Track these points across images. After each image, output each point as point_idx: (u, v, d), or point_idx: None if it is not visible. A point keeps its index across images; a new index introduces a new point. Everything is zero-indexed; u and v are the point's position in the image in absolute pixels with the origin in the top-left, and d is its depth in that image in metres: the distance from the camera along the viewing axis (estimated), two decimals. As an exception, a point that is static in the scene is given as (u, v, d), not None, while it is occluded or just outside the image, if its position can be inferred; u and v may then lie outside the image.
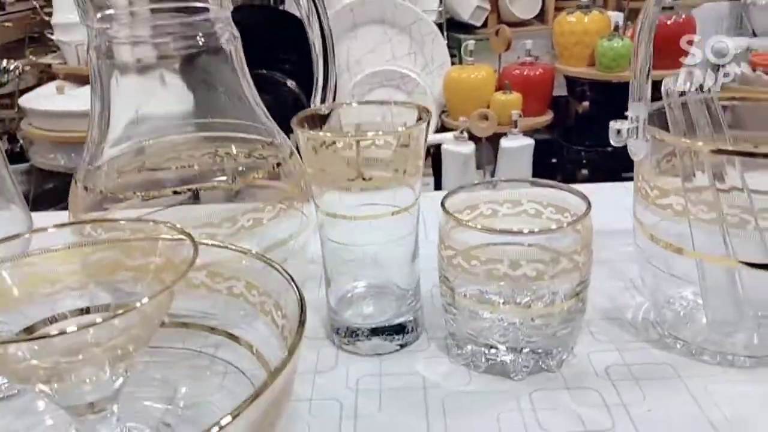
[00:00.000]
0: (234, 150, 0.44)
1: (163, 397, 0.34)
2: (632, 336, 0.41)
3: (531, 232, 0.35)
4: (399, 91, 1.51)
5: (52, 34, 1.38)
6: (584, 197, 0.37)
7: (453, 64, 1.51)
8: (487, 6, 1.64)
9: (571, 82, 1.45)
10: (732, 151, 0.36)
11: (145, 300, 0.25)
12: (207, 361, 0.34)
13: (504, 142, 1.38)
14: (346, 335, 0.41)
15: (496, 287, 0.37)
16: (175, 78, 0.42)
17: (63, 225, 0.33)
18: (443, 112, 1.53)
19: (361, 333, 0.41)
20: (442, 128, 1.51)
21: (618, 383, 0.37)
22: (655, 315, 0.42)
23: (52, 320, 0.30)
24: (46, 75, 1.59)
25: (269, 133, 0.44)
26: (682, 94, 0.41)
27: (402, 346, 0.41)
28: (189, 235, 0.30)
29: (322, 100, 0.48)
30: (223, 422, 0.20)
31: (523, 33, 1.60)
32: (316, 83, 0.48)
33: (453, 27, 1.67)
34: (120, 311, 0.25)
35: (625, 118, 0.39)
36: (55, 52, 1.58)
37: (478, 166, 1.43)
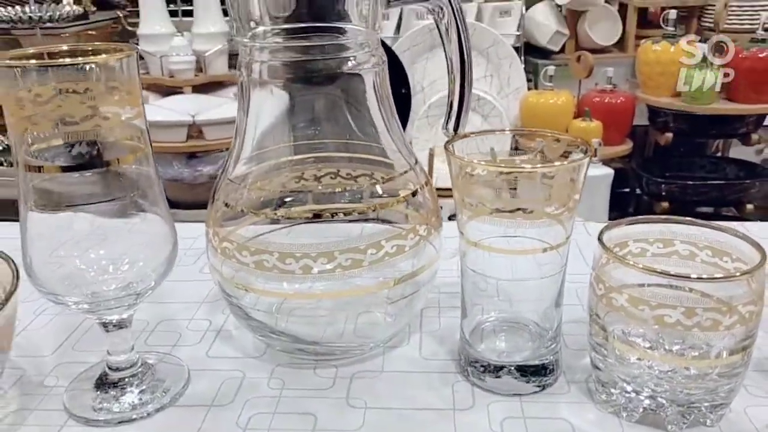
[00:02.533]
0: (372, 175, 0.43)
1: None
2: (791, 392, 0.38)
3: (706, 279, 0.33)
4: (474, 114, 1.50)
5: (137, 44, 1.41)
6: (758, 245, 0.35)
7: (529, 89, 1.49)
8: (566, 31, 1.62)
9: (654, 112, 1.41)
10: None
11: None
12: None
13: (581, 170, 1.35)
14: (485, 371, 0.39)
15: (651, 332, 0.35)
16: (317, 98, 0.42)
17: None
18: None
19: (498, 369, 0.39)
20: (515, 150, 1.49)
21: (786, 444, 0.34)
22: (817, 371, 0.39)
23: None
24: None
25: (406, 159, 0.43)
26: None
27: (541, 387, 0.39)
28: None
29: (456, 126, 0.47)
30: None
31: (603, 60, 1.57)
32: (450, 106, 0.47)
33: (530, 51, 1.65)
34: None
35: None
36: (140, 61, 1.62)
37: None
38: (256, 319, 0.42)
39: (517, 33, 1.54)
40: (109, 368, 0.39)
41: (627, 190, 1.49)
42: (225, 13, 1.42)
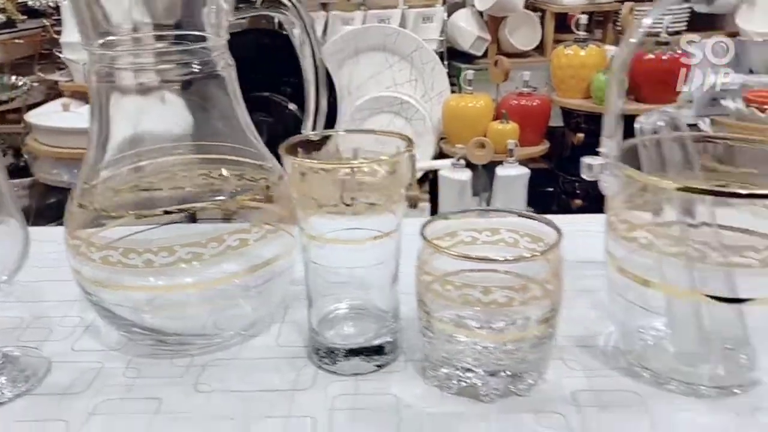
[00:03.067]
0: (226, 172, 0.46)
1: None
2: (602, 363, 0.42)
3: (505, 260, 0.37)
4: (399, 117, 1.54)
5: (60, 52, 1.41)
6: (556, 227, 0.39)
7: (453, 92, 1.54)
8: (488, 36, 1.67)
9: (567, 113, 1.48)
10: (696, 189, 0.38)
11: None
12: None
13: (500, 171, 1.40)
14: (326, 355, 0.42)
15: (472, 312, 0.39)
16: (171, 102, 0.44)
17: None
18: (442, 138, 1.55)
19: (340, 353, 0.42)
20: (440, 155, 1.54)
21: (584, 409, 0.38)
22: (624, 344, 0.43)
23: None
24: (53, 92, 1.62)
25: (260, 156, 0.46)
26: (655, 132, 0.43)
27: (380, 366, 0.42)
28: None
29: (313, 127, 0.50)
30: None
31: (521, 64, 1.63)
32: (307, 110, 0.50)
33: (454, 56, 1.70)
34: None
35: (598, 154, 0.41)
36: (63, 69, 1.62)
37: (475, 193, 1.45)
38: (118, 315, 0.44)
39: (440, 38, 1.59)
40: (-33, 361, 0.41)
41: (545, 188, 1.56)
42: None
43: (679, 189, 0.38)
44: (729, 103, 1.40)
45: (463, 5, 1.71)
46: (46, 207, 1.47)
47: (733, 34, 1.62)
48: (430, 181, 1.48)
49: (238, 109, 0.45)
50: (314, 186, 0.39)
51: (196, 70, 0.43)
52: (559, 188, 1.55)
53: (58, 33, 1.53)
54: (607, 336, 0.45)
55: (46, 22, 1.59)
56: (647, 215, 0.40)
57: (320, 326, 0.44)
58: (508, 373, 0.39)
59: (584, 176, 0.41)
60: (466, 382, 0.39)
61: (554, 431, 0.36)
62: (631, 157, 0.41)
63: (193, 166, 0.46)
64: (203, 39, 0.43)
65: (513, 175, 1.37)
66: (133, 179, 0.45)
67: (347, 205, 0.40)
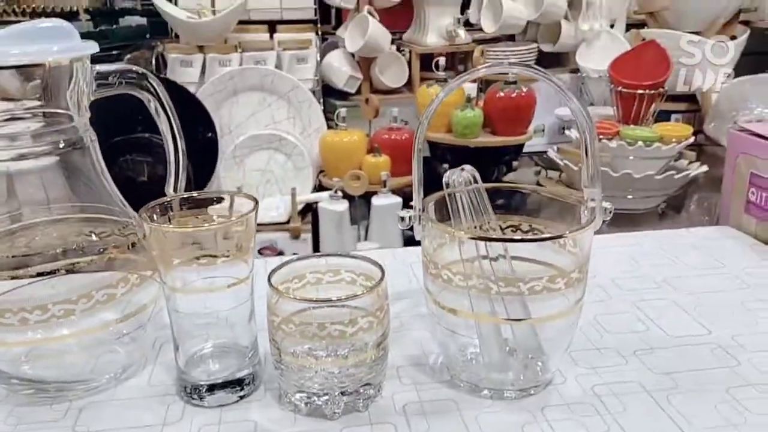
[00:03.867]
0: (96, 230, 0.51)
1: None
2: (430, 378, 0.51)
3: (338, 299, 0.45)
4: (279, 153, 1.60)
5: None
6: (380, 266, 0.47)
7: (330, 128, 1.62)
8: (360, 75, 1.78)
9: (433, 145, 1.60)
10: (482, 237, 0.47)
11: None
12: None
13: (375, 200, 1.50)
14: (193, 391, 0.48)
15: (319, 344, 0.46)
16: (42, 171, 0.49)
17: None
18: (321, 172, 1.63)
19: (203, 388, 0.48)
20: (320, 187, 1.61)
21: (410, 417, 0.46)
22: (448, 361, 0.52)
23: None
24: None
25: (125, 215, 0.51)
26: (458, 185, 0.52)
27: (242, 397, 0.49)
28: None
29: (175, 188, 0.56)
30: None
31: (391, 101, 1.74)
32: (169, 173, 0.56)
33: (329, 93, 1.79)
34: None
35: (411, 207, 0.49)
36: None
37: (353, 222, 1.53)
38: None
39: (315, 78, 1.68)
40: None
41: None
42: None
43: (471, 238, 0.47)
44: (573, 133, 1.57)
45: (336, 46, 1.81)
46: None
47: (575, 71, 1.82)
48: (312, 212, 1.55)
49: (102, 175, 0.51)
50: (171, 245, 0.46)
51: (62, 146, 0.48)
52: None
53: None
54: (437, 355, 0.54)
55: None
56: (455, 253, 0.49)
57: (187, 366, 0.49)
58: (350, 392, 0.47)
59: (399, 226, 0.49)
60: (314, 404, 0.46)
61: (383, 438, 0.44)
62: (441, 205, 0.51)
63: (63, 226, 0.51)
64: (69, 117, 0.48)
65: (387, 204, 1.47)
66: (8, 240, 0.49)
67: (200, 258, 0.46)
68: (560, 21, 1.84)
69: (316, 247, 1.52)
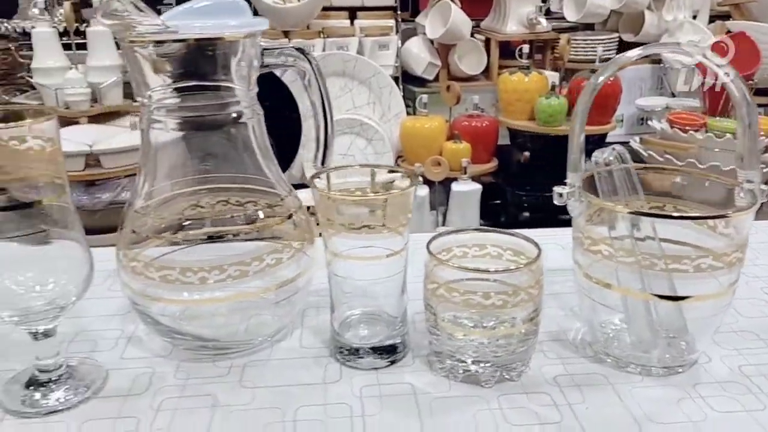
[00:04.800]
0: (258, 201, 0.53)
1: None
2: (573, 353, 0.52)
3: (497, 271, 0.46)
4: (360, 138, 1.63)
5: (31, 76, 1.44)
6: (536, 244, 0.48)
7: (408, 114, 1.64)
8: (438, 62, 1.79)
9: (514, 133, 1.60)
10: (643, 213, 0.48)
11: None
12: None
13: (455, 186, 1.51)
14: (350, 353, 0.51)
15: (468, 314, 0.47)
16: (206, 142, 0.52)
17: None
18: (399, 157, 1.65)
19: (361, 352, 0.50)
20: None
21: (564, 388, 0.47)
22: (591, 337, 0.53)
23: None
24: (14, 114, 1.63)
25: (283, 189, 0.54)
26: (608, 164, 0.53)
27: (392, 362, 0.51)
28: None
29: (323, 161, 0.58)
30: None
31: (470, 88, 1.75)
32: (317, 144, 0.58)
33: (408, 80, 1.80)
34: None
35: (565, 183, 0.50)
36: (26, 92, 1.64)
37: (432, 208, 1.55)
38: (163, 324, 0.51)
39: (395, 64, 1.69)
40: (39, 371, 0.47)
41: (496, 202, 1.67)
42: (118, 46, 1.48)
43: (630, 212, 0.48)
44: (655, 124, 1.55)
45: (415, 33, 1.82)
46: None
47: (656, 62, 1.79)
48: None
49: (265, 148, 0.53)
50: (338, 212, 0.48)
51: (232, 117, 0.51)
52: (507, 202, 1.67)
53: (24, 57, 1.56)
54: (576, 331, 0.55)
55: (11, 46, 1.61)
56: (604, 230, 0.50)
57: (341, 328, 0.52)
58: (501, 363, 0.48)
59: (555, 202, 0.51)
60: (468, 371, 0.48)
61: (544, 407, 0.45)
62: (589, 184, 0.52)
63: (226, 195, 0.53)
64: (237, 91, 0.51)
65: (467, 190, 1.48)
66: (176, 206, 0.52)
67: (361, 228, 0.48)
68: (643, 11, 1.81)
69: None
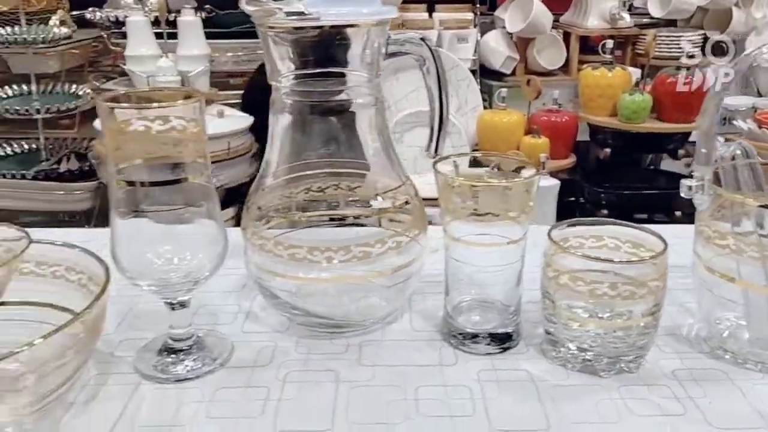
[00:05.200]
0: (377, 186, 0.55)
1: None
2: (689, 348, 0.52)
3: (622, 262, 0.46)
4: (427, 128, 1.63)
5: (124, 63, 1.50)
6: (661, 237, 0.48)
7: (484, 108, 1.63)
8: (517, 56, 1.77)
9: (594, 129, 1.58)
10: (776, 207, 0.47)
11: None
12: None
13: (532, 182, 1.50)
14: (465, 338, 0.51)
15: (583, 304, 0.48)
16: (329, 127, 0.54)
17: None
18: (475, 150, 1.65)
19: (471, 336, 0.51)
20: (474, 165, 1.63)
21: (683, 382, 0.47)
22: (706, 332, 0.53)
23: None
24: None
25: (400, 176, 0.55)
26: (733, 158, 0.52)
27: (505, 349, 0.51)
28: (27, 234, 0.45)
29: (436, 148, 0.59)
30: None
31: (548, 83, 1.73)
32: (431, 133, 0.59)
33: (485, 74, 1.80)
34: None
35: (692, 176, 0.50)
36: (113, 78, 1.71)
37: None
38: (282, 299, 0.53)
39: (474, 57, 1.69)
40: (172, 339, 0.50)
41: (573, 199, 1.65)
42: (207, 36, 1.52)
43: (760, 206, 0.47)
44: (741, 124, 1.50)
45: (492, 27, 1.81)
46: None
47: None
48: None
49: (386, 134, 0.54)
50: (458, 197, 0.49)
51: (355, 103, 0.52)
52: (584, 198, 1.65)
53: (115, 45, 1.63)
54: (689, 327, 0.54)
55: (104, 34, 1.68)
56: (728, 225, 0.49)
57: (454, 312, 0.53)
58: (619, 354, 0.48)
59: (682, 194, 0.50)
60: (588, 360, 0.48)
61: (666, 399, 0.45)
62: (713, 179, 0.51)
63: (345, 180, 0.55)
64: (360, 78, 0.52)
65: (545, 186, 1.46)
66: (296, 187, 0.54)
67: (484, 214, 0.49)
68: (731, 7, 1.76)
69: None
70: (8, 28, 1.61)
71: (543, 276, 0.49)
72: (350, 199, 0.55)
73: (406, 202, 0.54)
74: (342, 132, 0.54)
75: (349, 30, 0.50)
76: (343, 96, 0.53)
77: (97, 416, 0.44)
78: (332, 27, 0.49)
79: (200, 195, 0.47)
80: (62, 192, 1.52)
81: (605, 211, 1.55)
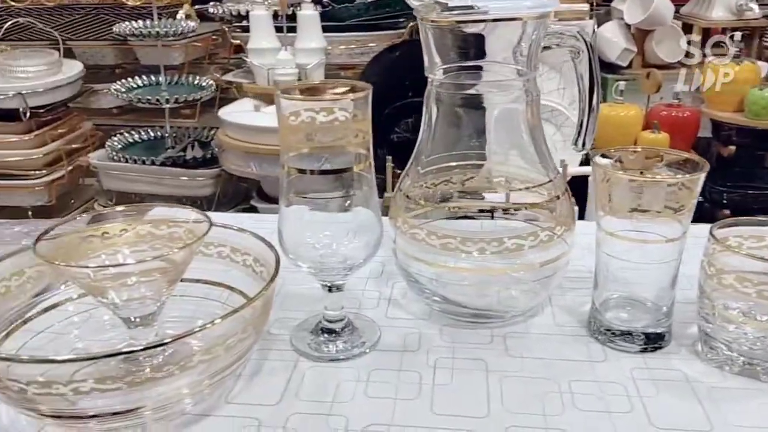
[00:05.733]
0: (530, 179, 0.54)
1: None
2: None
3: (793, 264, 0.44)
4: (549, 124, 1.60)
5: (246, 57, 1.56)
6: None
7: (598, 101, 1.59)
8: (634, 48, 1.71)
9: (717, 125, 1.50)
10: None
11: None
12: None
13: (649, 179, 1.45)
14: (613, 335, 0.51)
15: (741, 304, 0.46)
16: (480, 120, 0.54)
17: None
18: (587, 146, 1.61)
19: (631, 335, 0.50)
20: (587, 161, 1.59)
21: None
22: None
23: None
24: (222, 92, 1.79)
25: (550, 171, 0.55)
26: None
27: (656, 348, 0.50)
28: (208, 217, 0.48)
29: (584, 143, 0.58)
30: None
31: (667, 76, 1.66)
32: (580, 127, 0.58)
33: (600, 66, 1.75)
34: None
35: None
36: (232, 70, 1.78)
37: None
38: (426, 286, 0.54)
39: (588, 49, 1.64)
40: (326, 320, 0.52)
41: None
42: (324, 30, 1.56)
43: None
44: None
45: (609, 18, 1.76)
46: (232, 195, 1.64)
47: None
48: (579, 185, 1.53)
49: (538, 129, 0.54)
50: (615, 192, 0.48)
51: (510, 97, 0.53)
52: (704, 197, 1.58)
53: (235, 38, 1.70)
54: None
55: (225, 27, 1.76)
56: None
57: (602, 306, 0.52)
58: (783, 359, 0.46)
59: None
60: (750, 363, 0.47)
61: (839, 407, 0.43)
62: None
63: (496, 172, 0.56)
64: (515, 72, 0.52)
65: (663, 184, 1.41)
66: (445, 178, 0.55)
67: (645, 211, 0.48)
68: None
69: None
70: (140, 22, 1.72)
71: (702, 274, 0.48)
72: (499, 191, 0.55)
73: (557, 197, 0.54)
74: (493, 125, 0.54)
75: (511, 23, 0.50)
76: (496, 90, 0.53)
77: (264, 388, 0.47)
78: (495, 21, 0.50)
79: (362, 184, 0.49)
80: (186, 178, 1.61)
81: (727, 211, 1.47)
